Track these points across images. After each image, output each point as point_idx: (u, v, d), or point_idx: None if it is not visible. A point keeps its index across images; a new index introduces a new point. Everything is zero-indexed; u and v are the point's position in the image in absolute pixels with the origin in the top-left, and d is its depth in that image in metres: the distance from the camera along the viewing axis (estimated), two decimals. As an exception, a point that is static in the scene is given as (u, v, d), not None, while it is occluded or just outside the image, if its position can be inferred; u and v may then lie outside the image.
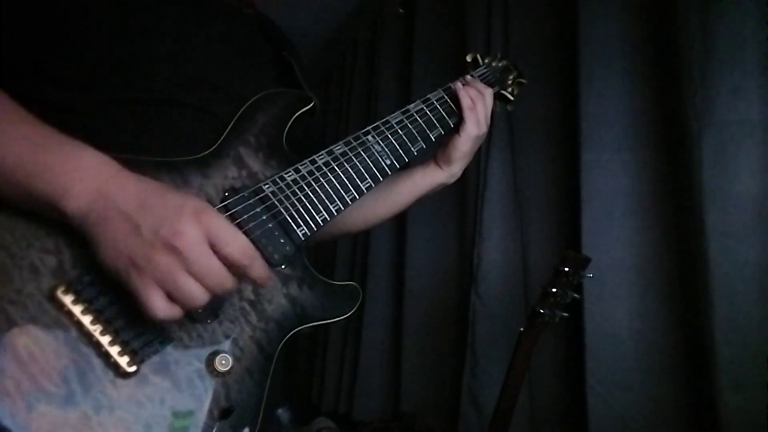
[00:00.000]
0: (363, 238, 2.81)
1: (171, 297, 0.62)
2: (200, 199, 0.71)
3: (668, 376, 1.46)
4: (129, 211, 0.62)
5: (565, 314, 1.29)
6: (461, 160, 1.13)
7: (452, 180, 1.16)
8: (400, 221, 2.47)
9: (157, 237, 0.61)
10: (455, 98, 1.10)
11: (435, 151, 1.15)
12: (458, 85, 1.12)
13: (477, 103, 1.10)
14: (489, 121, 1.13)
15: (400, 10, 2.71)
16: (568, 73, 1.74)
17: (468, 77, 1.15)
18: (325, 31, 3.33)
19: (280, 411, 2.52)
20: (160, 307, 0.61)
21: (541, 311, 1.26)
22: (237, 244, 0.65)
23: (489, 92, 1.13)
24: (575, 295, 1.29)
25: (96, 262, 0.63)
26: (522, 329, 1.29)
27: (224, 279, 0.64)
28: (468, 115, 1.09)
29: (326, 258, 3.23)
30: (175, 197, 0.65)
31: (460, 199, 2.21)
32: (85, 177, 0.63)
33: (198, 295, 0.62)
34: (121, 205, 0.62)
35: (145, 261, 0.60)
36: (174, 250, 0.61)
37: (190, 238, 0.61)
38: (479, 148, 1.96)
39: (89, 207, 0.62)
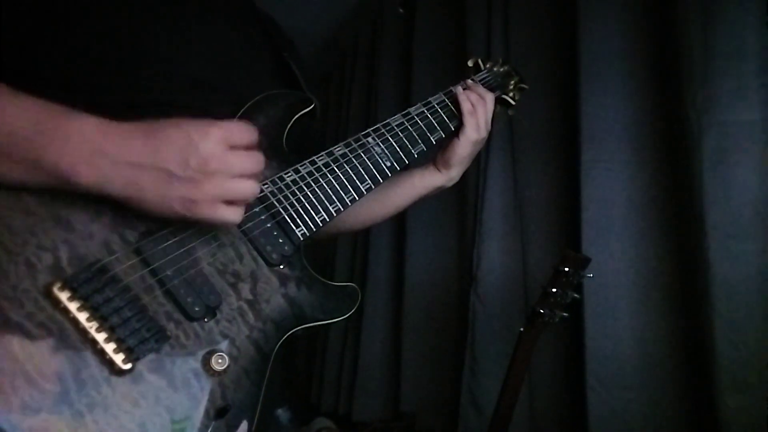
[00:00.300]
0: (363, 238, 2.81)
1: (230, 202, 0.71)
2: (191, 119, 0.72)
3: (669, 376, 1.45)
4: (152, 164, 0.67)
5: (565, 314, 1.28)
6: (460, 165, 1.14)
7: (451, 183, 1.16)
8: (400, 221, 2.46)
9: (192, 170, 0.67)
10: (456, 102, 1.10)
11: (434, 154, 1.15)
12: (459, 89, 1.11)
13: (477, 108, 1.10)
14: (489, 126, 1.13)
15: (400, 10, 2.71)
16: (568, 73, 1.74)
17: (469, 81, 1.15)
18: (325, 31, 3.32)
19: (280, 411, 2.51)
20: (231, 216, 0.71)
21: (541, 311, 1.26)
22: (246, 132, 0.73)
23: (490, 97, 1.13)
24: (575, 295, 1.29)
25: (144, 220, 0.71)
26: (522, 329, 1.29)
27: (257, 161, 0.73)
28: (468, 119, 1.09)
29: (326, 258, 3.23)
30: (175, 131, 0.69)
31: (460, 200, 2.21)
32: (92, 148, 0.65)
33: (251, 188, 0.72)
34: (141, 161, 0.67)
35: (197, 193, 0.68)
36: (212, 172, 0.68)
37: (216, 154, 0.68)
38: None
39: (109, 177, 0.66)
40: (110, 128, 0.68)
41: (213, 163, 0.68)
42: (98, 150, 0.65)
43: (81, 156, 0.65)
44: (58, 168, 0.64)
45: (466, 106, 1.09)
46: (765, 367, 1.23)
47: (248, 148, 0.73)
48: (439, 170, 1.14)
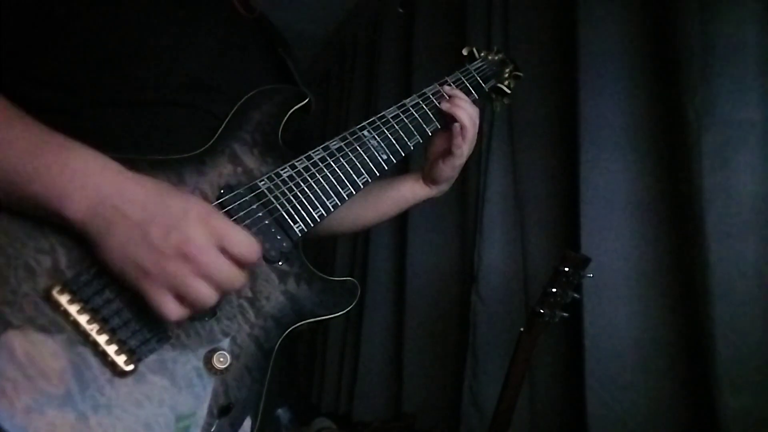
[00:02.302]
0: (363, 237, 2.81)
1: (181, 299, 0.63)
2: (201, 200, 0.71)
3: (668, 376, 1.45)
4: (135, 219, 0.62)
5: (565, 314, 1.29)
6: (447, 182, 1.13)
7: (441, 194, 1.16)
8: (400, 221, 2.46)
9: (168, 245, 0.62)
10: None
11: (423, 168, 1.13)
12: (445, 105, 1.05)
13: (467, 132, 1.05)
14: (474, 142, 1.08)
15: (400, 10, 2.71)
16: (567, 73, 1.74)
17: (456, 94, 1.07)
18: (325, 31, 3.32)
19: (280, 411, 2.52)
20: (172, 310, 0.63)
21: (541, 311, 1.26)
22: (245, 243, 0.67)
23: (476, 113, 1.07)
24: (575, 295, 1.29)
25: (98, 262, 0.64)
26: (522, 329, 1.29)
27: (235, 277, 0.66)
28: (456, 153, 1.06)
29: (326, 258, 3.23)
30: (178, 202, 0.65)
31: (460, 200, 2.21)
32: (84, 183, 0.63)
33: (209, 296, 0.64)
34: (126, 212, 0.63)
35: (156, 268, 0.62)
36: (185, 257, 0.62)
37: (200, 243, 0.63)
38: (479, 148, 1.97)
39: (91, 213, 0.62)
40: (112, 169, 0.65)
41: (190, 249, 0.62)
42: (91, 186, 0.63)
43: (70, 189, 0.62)
44: (45, 197, 0.62)
45: (457, 134, 1.04)
46: (765, 367, 1.23)
47: (241, 263, 0.66)
48: (428, 186, 1.13)
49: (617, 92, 1.61)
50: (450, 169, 1.09)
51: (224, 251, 0.65)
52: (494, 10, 2.05)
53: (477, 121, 1.07)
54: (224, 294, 0.67)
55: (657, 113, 1.54)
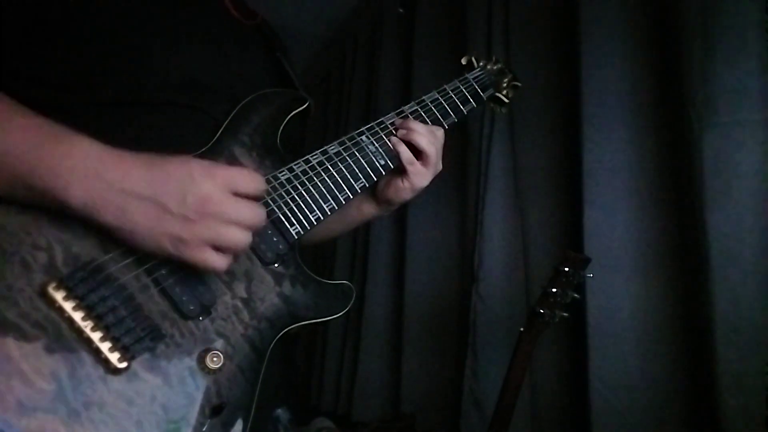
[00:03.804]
0: (363, 237, 2.81)
1: (220, 249, 0.68)
2: (193, 157, 0.73)
3: (670, 375, 1.45)
4: (146, 196, 0.65)
5: (565, 314, 1.28)
6: (401, 204, 1.09)
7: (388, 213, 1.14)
8: (400, 220, 2.46)
9: (189, 209, 0.65)
10: (454, 101, 1.08)
11: (374, 188, 1.07)
12: (393, 139, 1.00)
13: (427, 157, 1.00)
14: (440, 166, 1.04)
15: (400, 10, 2.70)
16: (568, 72, 1.74)
17: (410, 122, 1.01)
18: (325, 31, 3.32)
19: (279, 411, 2.51)
20: (218, 262, 0.68)
21: (541, 311, 1.26)
22: (251, 180, 0.72)
23: (438, 135, 1.03)
24: (575, 295, 1.28)
25: (129, 247, 0.68)
26: (522, 329, 1.29)
27: (256, 213, 0.71)
28: (411, 169, 1.00)
29: (326, 257, 3.23)
30: (177, 166, 0.68)
31: (461, 200, 2.20)
32: (86, 171, 0.64)
33: (244, 237, 0.70)
34: (135, 192, 0.65)
35: (188, 233, 0.66)
36: (208, 214, 0.66)
37: (216, 196, 0.67)
38: (480, 148, 1.96)
39: (100, 201, 0.64)
40: (111, 154, 0.67)
41: (210, 206, 0.66)
42: (93, 173, 0.64)
43: (74, 177, 0.64)
44: (49, 187, 0.63)
45: (405, 157, 0.99)
46: (765, 367, 1.23)
47: (252, 197, 0.71)
48: (379, 206, 1.09)
49: (619, 92, 1.60)
50: (410, 191, 1.04)
51: (237, 194, 0.69)
52: (494, 10, 2.05)
53: (438, 146, 1.03)
54: (255, 231, 0.72)
55: (658, 113, 1.54)
